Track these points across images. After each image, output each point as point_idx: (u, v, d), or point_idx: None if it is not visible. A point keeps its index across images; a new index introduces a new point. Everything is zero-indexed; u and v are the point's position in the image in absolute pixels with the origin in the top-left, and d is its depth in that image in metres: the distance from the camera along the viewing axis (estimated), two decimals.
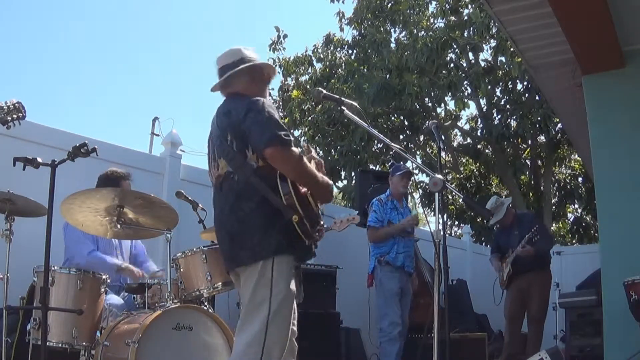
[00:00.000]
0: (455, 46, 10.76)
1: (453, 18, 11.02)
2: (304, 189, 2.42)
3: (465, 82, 10.90)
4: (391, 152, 11.89)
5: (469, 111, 16.68)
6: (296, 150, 2.39)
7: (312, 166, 2.48)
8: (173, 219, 3.46)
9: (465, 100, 11.42)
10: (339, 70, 12.42)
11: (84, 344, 3.06)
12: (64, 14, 41.87)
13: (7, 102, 2.67)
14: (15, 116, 2.67)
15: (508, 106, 11.37)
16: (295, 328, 2.51)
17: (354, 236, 5.86)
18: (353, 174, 10.91)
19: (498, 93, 11.83)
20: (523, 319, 5.58)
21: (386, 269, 4.95)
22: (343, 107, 2.70)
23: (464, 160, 14.49)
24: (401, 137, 12.24)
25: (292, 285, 2.38)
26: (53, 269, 3.04)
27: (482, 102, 11.99)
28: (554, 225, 13.80)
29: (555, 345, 6.01)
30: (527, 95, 10.95)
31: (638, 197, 4.42)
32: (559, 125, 10.28)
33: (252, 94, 2.52)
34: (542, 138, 11.81)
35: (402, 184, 5.13)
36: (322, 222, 2.49)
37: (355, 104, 2.79)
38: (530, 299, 5.44)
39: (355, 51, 12.54)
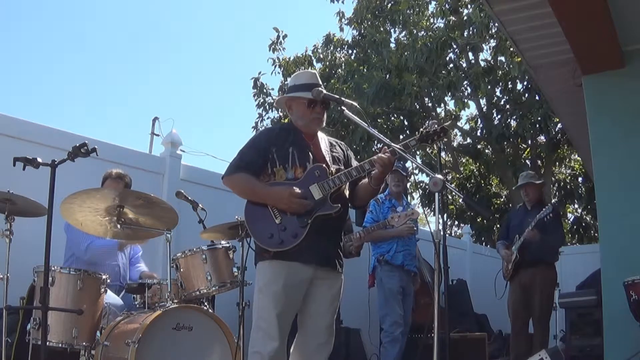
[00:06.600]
0: (455, 46, 10.74)
1: (453, 18, 11.00)
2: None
3: (465, 82, 10.87)
4: None
5: (469, 111, 16.66)
6: (236, 174, 2.78)
7: (257, 182, 2.76)
8: (173, 219, 3.46)
9: (465, 100, 11.40)
10: (339, 70, 12.38)
11: (84, 344, 3.07)
12: (64, 15, 41.90)
13: None
14: None
15: (508, 106, 11.34)
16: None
17: None
18: None
19: (498, 93, 11.78)
20: (528, 318, 5.39)
21: (386, 268, 4.92)
22: (343, 107, 2.70)
23: (464, 160, 14.47)
24: (401, 137, 12.21)
25: (272, 286, 2.69)
26: (53, 269, 3.04)
27: (482, 102, 11.97)
28: None
29: (555, 345, 6.00)
30: (527, 95, 10.92)
31: (638, 197, 4.41)
32: (559, 125, 10.25)
33: (292, 120, 2.95)
34: (542, 138, 11.77)
35: (393, 183, 5.11)
36: (288, 233, 2.68)
37: (355, 104, 2.78)
38: (533, 299, 5.27)
39: (355, 51, 12.51)
